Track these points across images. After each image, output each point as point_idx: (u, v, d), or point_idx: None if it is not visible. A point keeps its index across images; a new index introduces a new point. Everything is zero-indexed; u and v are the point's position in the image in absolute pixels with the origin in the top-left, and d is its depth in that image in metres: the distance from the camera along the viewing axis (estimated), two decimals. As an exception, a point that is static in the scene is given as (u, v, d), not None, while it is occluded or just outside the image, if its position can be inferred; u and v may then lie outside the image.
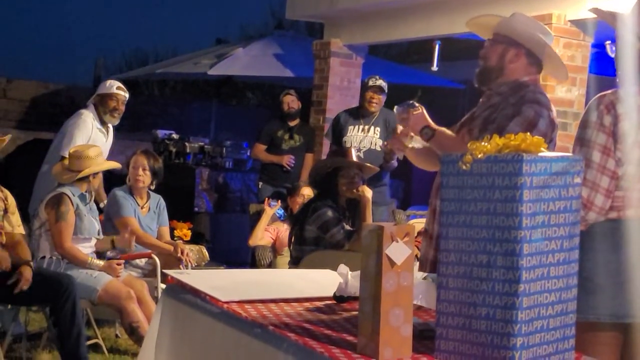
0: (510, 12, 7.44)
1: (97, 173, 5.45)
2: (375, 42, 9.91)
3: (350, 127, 7.59)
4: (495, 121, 3.52)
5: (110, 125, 6.57)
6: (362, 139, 7.48)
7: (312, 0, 9.86)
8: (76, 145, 5.79)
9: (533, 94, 3.61)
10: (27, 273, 4.71)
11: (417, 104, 3.72)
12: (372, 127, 7.50)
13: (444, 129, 3.71)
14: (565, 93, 7.18)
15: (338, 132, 7.71)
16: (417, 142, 3.67)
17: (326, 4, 9.56)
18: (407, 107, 3.68)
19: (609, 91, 3.17)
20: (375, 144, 7.46)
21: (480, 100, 3.80)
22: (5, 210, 4.96)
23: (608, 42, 3.37)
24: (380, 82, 7.44)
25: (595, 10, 3.35)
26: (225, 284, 3.51)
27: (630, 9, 3.21)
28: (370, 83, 7.45)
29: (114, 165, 5.85)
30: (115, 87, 6.46)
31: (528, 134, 2.45)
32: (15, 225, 4.99)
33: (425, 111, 3.71)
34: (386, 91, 7.51)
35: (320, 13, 9.97)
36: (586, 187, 3.04)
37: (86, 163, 5.37)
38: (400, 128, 3.71)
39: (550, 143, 3.54)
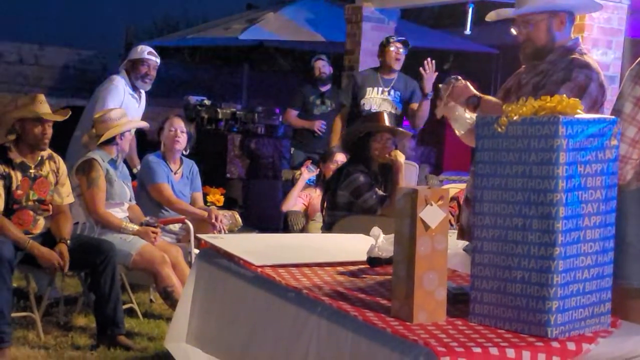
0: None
1: (123, 134, 5.43)
2: (407, 5, 9.82)
3: (369, 89, 7.38)
4: (546, 87, 3.45)
5: (142, 91, 6.57)
6: (381, 103, 7.26)
7: (343, -35, 9.79)
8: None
9: (581, 56, 3.55)
10: (65, 251, 4.73)
11: (459, 77, 3.66)
12: (392, 91, 7.37)
13: (489, 97, 3.65)
14: (601, 56, 7.07)
15: (355, 93, 7.44)
16: (461, 126, 3.61)
17: (358, -32, 9.48)
18: (450, 81, 3.64)
19: None
20: (395, 108, 7.30)
21: (523, 66, 3.73)
22: (57, 182, 4.98)
23: None
24: (404, 38, 7.31)
25: None
26: (258, 248, 3.52)
27: None
28: (392, 40, 7.28)
29: (140, 124, 5.85)
30: (146, 53, 6.44)
31: (564, 95, 2.42)
32: (64, 196, 5.00)
33: (460, 82, 3.66)
34: (409, 46, 7.33)
35: (352, -23, 9.89)
36: None
37: (110, 125, 5.37)
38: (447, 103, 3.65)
39: (602, 106, 3.49)
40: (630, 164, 3.05)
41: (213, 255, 3.52)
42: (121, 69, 6.51)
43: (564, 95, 2.42)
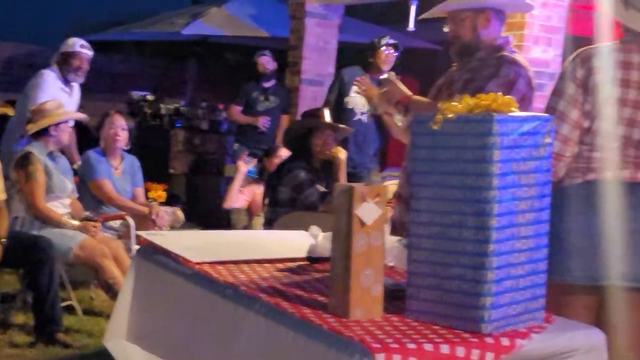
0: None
1: (58, 125, 5.37)
2: (351, 2, 9.84)
3: (355, 88, 7.39)
4: (474, 82, 3.51)
5: (74, 84, 6.50)
6: (365, 103, 7.21)
7: (286, -41, 9.78)
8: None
9: (511, 54, 3.61)
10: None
11: (389, 77, 3.70)
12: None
13: (419, 98, 3.70)
14: (542, 53, 7.15)
15: (340, 91, 7.43)
16: (399, 120, 3.68)
17: (302, -37, 9.48)
18: (383, 81, 3.69)
19: (590, 46, 3.18)
20: None
21: (455, 64, 3.78)
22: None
23: None
24: (393, 41, 7.30)
25: None
26: (197, 245, 3.50)
27: None
28: (383, 41, 7.26)
29: (77, 116, 5.81)
30: (78, 45, 6.39)
31: (499, 93, 2.44)
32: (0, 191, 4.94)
33: (398, 83, 3.71)
34: (400, 49, 7.32)
35: (296, -27, 9.89)
36: None
37: (46, 116, 5.32)
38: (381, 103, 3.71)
39: (530, 105, 3.54)
40: (564, 161, 3.09)
41: (152, 252, 3.49)
42: (53, 62, 6.44)
43: (499, 94, 2.43)
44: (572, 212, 3.08)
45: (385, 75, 3.72)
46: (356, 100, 7.20)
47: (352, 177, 7.17)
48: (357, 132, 7.10)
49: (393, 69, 7.34)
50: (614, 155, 3.08)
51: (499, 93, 2.41)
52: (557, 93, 3.14)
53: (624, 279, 3.07)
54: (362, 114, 7.18)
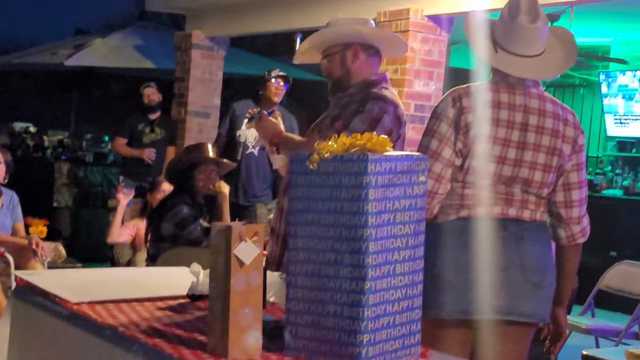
0: (367, 6, 7.58)
1: None
2: (236, 34, 9.89)
3: (246, 121, 7.41)
4: (341, 118, 3.55)
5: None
6: (257, 135, 7.20)
7: (172, -9, 9.77)
8: None
9: (379, 90, 3.63)
10: None
11: (261, 115, 3.73)
12: None
13: (290, 136, 3.72)
14: (423, 87, 7.32)
15: (232, 124, 7.47)
16: (275, 161, 3.70)
17: (187, -4, 9.49)
18: (253, 118, 3.72)
19: (462, 86, 3.25)
20: None
21: (331, 101, 3.80)
22: None
23: None
24: (283, 73, 7.36)
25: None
26: (76, 284, 3.43)
27: (479, 10, 3.30)
28: (273, 74, 7.31)
29: None
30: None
31: (374, 133, 2.48)
32: None
33: (265, 121, 3.72)
34: (290, 82, 7.39)
35: (181, 4, 9.89)
36: None
37: None
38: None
39: (399, 139, 3.58)
40: (437, 198, 3.15)
41: (29, 293, 3.42)
42: None
43: (374, 133, 2.48)
44: (446, 248, 3.14)
45: (254, 113, 3.74)
46: (247, 133, 7.23)
47: (245, 209, 7.20)
48: (249, 165, 7.15)
49: (281, 100, 7.42)
50: (485, 192, 3.16)
51: (363, 128, 2.45)
52: (429, 132, 3.20)
53: (497, 312, 3.15)
54: (254, 146, 7.22)
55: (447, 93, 3.25)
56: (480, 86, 3.21)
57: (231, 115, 7.46)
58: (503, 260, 3.14)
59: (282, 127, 3.75)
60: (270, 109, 7.14)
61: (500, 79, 3.21)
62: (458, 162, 3.15)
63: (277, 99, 7.25)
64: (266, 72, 7.28)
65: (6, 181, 5.95)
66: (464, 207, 3.16)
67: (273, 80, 7.21)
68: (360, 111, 3.52)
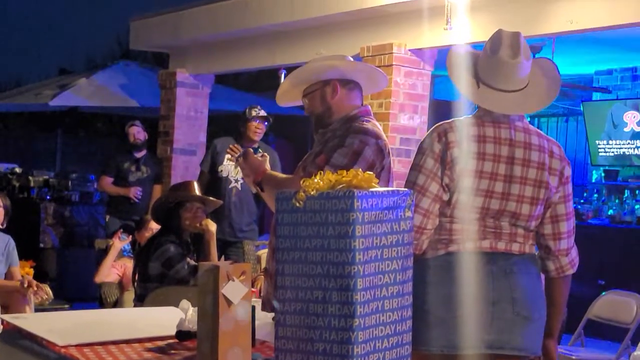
0: (350, 42, 7.61)
1: None
2: (220, 71, 9.92)
3: (228, 156, 7.44)
4: (322, 154, 3.52)
5: None
6: (239, 171, 7.26)
7: (155, 31, 9.80)
8: None
9: (360, 124, 3.59)
10: None
11: (243, 152, 3.72)
12: None
13: (273, 174, 3.71)
14: (408, 120, 7.35)
15: (214, 160, 7.53)
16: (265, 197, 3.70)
17: (170, 35, 9.52)
18: (240, 155, 3.72)
19: (447, 121, 3.26)
20: None
21: (316, 138, 3.79)
22: None
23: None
24: (263, 112, 7.43)
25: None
26: (64, 326, 3.41)
27: (464, 44, 3.32)
28: (254, 113, 7.36)
29: None
30: None
31: (359, 170, 2.49)
32: None
33: (250, 158, 3.70)
34: (270, 121, 7.45)
35: (165, 43, 9.92)
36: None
37: None
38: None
39: (383, 170, 3.55)
40: (426, 234, 3.15)
41: (16, 337, 3.39)
42: None
43: (359, 169, 2.48)
44: (436, 284, 3.13)
45: (240, 151, 3.74)
46: (229, 168, 7.27)
47: (232, 245, 7.19)
48: (233, 200, 7.16)
49: (266, 135, 7.47)
50: (473, 227, 3.16)
51: (345, 162, 2.45)
52: (416, 167, 3.19)
53: (488, 347, 3.14)
54: (236, 181, 7.23)
55: (432, 128, 3.26)
56: (465, 120, 3.22)
57: (212, 151, 7.50)
58: (493, 294, 3.13)
59: (267, 165, 3.73)
60: (250, 145, 7.19)
61: (484, 113, 3.22)
62: (445, 197, 3.15)
63: (257, 137, 7.31)
64: (247, 110, 7.33)
65: (4, 226, 5.94)
66: (452, 242, 3.16)
67: (253, 119, 7.27)
68: (341, 145, 3.51)
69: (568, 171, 3.29)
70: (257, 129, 7.26)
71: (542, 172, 3.20)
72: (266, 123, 7.32)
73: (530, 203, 3.19)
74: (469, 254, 3.14)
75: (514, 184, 3.17)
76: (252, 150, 3.74)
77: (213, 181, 7.29)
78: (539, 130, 3.32)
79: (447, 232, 3.17)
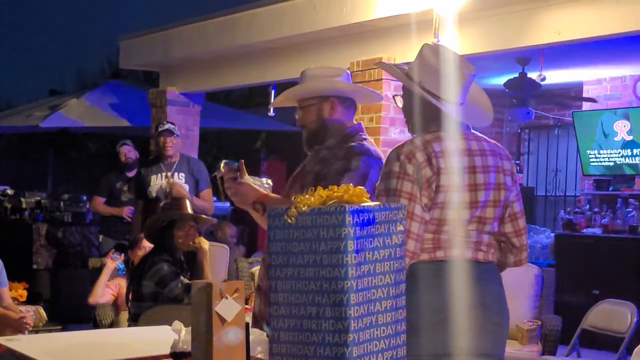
0: (340, 57, 7.63)
1: None
2: (210, 89, 9.94)
3: (153, 177, 7.53)
4: (327, 177, 3.47)
5: None
6: (167, 185, 7.43)
7: (145, 50, 9.81)
8: None
9: (360, 144, 3.60)
10: None
11: (231, 164, 3.68)
12: (176, 174, 7.49)
13: (274, 196, 3.67)
14: (399, 134, 7.36)
15: (141, 186, 7.65)
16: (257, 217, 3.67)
17: (160, 53, 9.53)
18: (229, 166, 3.67)
19: (405, 142, 3.26)
20: (185, 188, 7.43)
21: (309, 154, 3.77)
22: None
23: (396, 94, 3.49)
24: (169, 126, 7.53)
25: (381, 65, 3.48)
26: (58, 348, 3.40)
27: (414, 60, 3.33)
28: (160, 128, 7.53)
29: None
30: None
31: (350, 185, 2.49)
32: None
33: (246, 178, 3.66)
34: (177, 133, 7.58)
35: (155, 62, 9.94)
36: None
37: None
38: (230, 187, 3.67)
39: None
40: (415, 258, 3.18)
41: (9, 359, 3.37)
42: None
43: (350, 185, 2.48)
44: (420, 290, 3.15)
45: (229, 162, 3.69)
46: (155, 187, 7.56)
47: None
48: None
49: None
50: (445, 236, 3.20)
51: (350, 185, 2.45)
52: (395, 193, 3.15)
53: (470, 353, 3.16)
54: (166, 197, 7.39)
55: (394, 151, 3.22)
56: (424, 138, 3.22)
57: (136, 178, 7.89)
58: (466, 301, 3.17)
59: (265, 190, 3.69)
60: (171, 160, 7.41)
61: (437, 129, 3.25)
62: (427, 216, 3.17)
63: (171, 152, 7.53)
64: (154, 129, 7.59)
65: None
66: (438, 249, 3.20)
67: (159, 137, 7.48)
68: (347, 169, 3.50)
69: (515, 169, 3.42)
70: (165, 144, 7.53)
71: (499, 174, 3.28)
72: (176, 137, 7.48)
73: (494, 206, 3.27)
74: (451, 261, 3.19)
75: (480, 191, 3.23)
76: (246, 177, 3.67)
77: (146, 205, 7.45)
78: (484, 136, 3.40)
79: (431, 241, 3.21)
